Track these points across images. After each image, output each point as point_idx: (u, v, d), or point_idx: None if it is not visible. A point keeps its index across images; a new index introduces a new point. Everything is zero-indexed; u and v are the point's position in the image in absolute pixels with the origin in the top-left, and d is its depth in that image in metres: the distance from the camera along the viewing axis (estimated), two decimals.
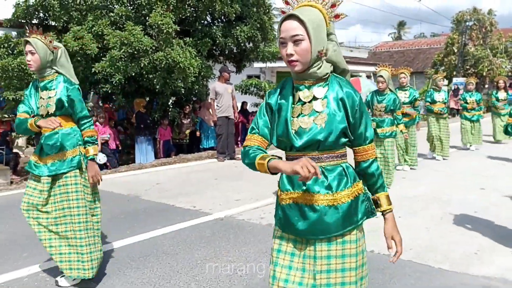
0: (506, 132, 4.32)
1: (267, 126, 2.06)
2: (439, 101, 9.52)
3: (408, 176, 7.91)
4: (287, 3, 1.97)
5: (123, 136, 12.36)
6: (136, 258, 4.16)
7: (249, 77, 15.60)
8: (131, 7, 10.42)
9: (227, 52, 11.88)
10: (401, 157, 8.47)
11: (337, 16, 1.96)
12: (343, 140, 1.97)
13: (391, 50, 36.07)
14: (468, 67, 27.39)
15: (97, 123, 9.70)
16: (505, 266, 3.96)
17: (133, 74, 9.54)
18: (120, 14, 9.79)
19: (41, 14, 10.48)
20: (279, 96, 2.05)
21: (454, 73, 27.10)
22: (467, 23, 27.88)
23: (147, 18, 9.76)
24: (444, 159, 9.60)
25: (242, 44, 11.46)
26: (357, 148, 2.01)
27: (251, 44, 11.84)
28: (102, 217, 3.74)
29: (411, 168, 8.53)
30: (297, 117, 1.98)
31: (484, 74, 26.66)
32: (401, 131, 7.05)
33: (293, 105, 2.00)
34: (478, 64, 26.82)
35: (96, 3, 9.90)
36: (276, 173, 1.89)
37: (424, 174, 8.16)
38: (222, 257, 4.16)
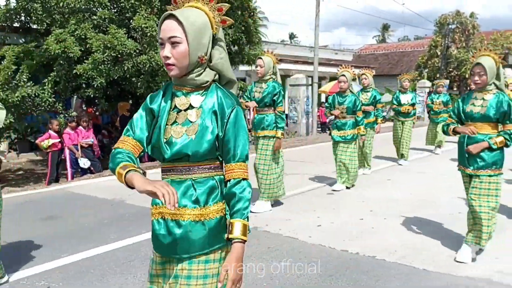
0: (442, 131, 4.40)
1: (144, 130, 1.86)
2: (405, 103, 9.40)
3: (392, 178, 7.96)
4: (175, 2, 1.85)
5: (107, 140, 12.25)
6: (120, 264, 4.10)
7: None
8: (115, 10, 10.33)
9: None
10: (363, 160, 8.35)
11: (223, 22, 1.85)
12: (217, 153, 1.82)
13: (376, 52, 36.32)
14: (451, 69, 27.73)
15: (80, 127, 9.59)
16: (489, 267, 3.98)
17: (116, 78, 9.45)
18: (103, 17, 9.70)
19: (23, 17, 10.34)
20: (162, 100, 1.88)
21: (438, 75, 27.40)
22: (450, 26, 28.23)
23: (130, 21, 9.69)
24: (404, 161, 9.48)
25: (227, 47, 11.42)
26: (225, 164, 1.81)
27: (236, 47, 11.84)
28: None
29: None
30: (171, 125, 1.82)
31: (467, 76, 26.99)
32: (359, 133, 6.90)
33: (170, 112, 1.85)
34: (461, 67, 27.16)
35: (79, 6, 9.78)
36: (133, 188, 1.63)
37: (408, 176, 8.22)
38: None
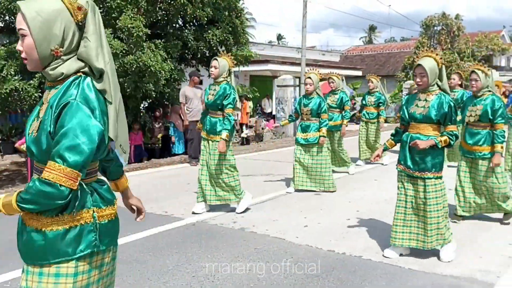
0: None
1: None
2: (369, 104, 9.35)
3: (379, 179, 8.01)
4: None
5: None
6: None
7: None
8: (101, 10, 10.25)
9: (199, 56, 11.83)
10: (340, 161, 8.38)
11: (79, 8, 1.70)
12: None
13: (363, 54, 36.54)
14: None
15: None
16: (473, 266, 4.04)
17: None
18: None
19: (7, 17, 10.22)
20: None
21: None
22: (436, 28, 28.52)
23: (116, 21, 9.62)
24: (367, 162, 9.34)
25: (215, 48, 11.42)
26: None
27: (223, 48, 11.82)
28: None
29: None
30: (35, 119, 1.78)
31: (450, 77, 27.26)
32: (320, 135, 6.71)
33: (40, 106, 1.80)
34: (446, 68, 27.44)
35: None
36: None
37: (395, 176, 8.23)
38: (194, 263, 4.11)
